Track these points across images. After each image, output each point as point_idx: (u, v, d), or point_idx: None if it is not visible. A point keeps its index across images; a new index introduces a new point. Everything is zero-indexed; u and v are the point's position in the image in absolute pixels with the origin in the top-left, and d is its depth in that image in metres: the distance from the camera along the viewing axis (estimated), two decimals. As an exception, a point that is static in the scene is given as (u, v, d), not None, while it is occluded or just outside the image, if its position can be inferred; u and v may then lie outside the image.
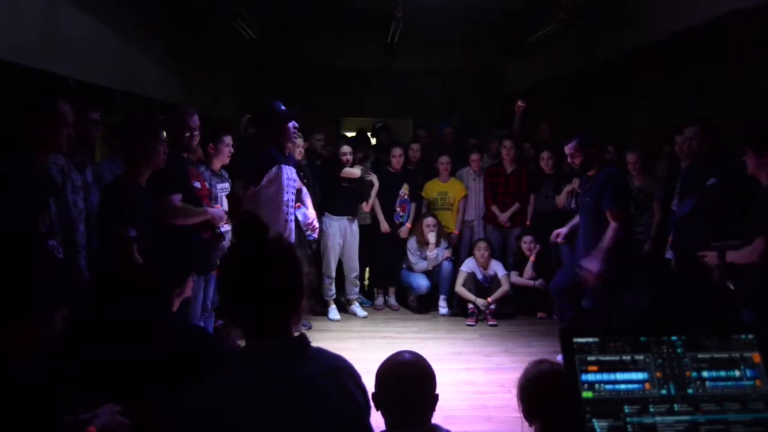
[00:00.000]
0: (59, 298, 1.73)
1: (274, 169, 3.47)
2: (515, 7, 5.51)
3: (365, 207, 5.52)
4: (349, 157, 5.29)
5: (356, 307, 5.55)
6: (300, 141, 4.93)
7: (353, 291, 5.58)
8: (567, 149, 4.07)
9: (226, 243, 3.73)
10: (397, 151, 5.61)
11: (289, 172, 3.62)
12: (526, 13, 5.55)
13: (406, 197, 5.67)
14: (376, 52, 6.95)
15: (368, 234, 5.64)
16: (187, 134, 3.37)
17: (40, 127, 2.41)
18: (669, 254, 4.38)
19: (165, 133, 2.97)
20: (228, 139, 3.95)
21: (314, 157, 5.59)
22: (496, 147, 5.98)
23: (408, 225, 5.65)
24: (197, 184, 3.48)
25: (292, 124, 3.68)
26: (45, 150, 2.49)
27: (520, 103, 5.78)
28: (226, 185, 4.01)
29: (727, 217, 3.60)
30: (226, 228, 3.87)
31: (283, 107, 3.62)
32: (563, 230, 4.49)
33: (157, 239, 2.88)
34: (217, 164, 3.94)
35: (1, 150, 2.40)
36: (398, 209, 5.67)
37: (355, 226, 5.45)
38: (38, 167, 2.47)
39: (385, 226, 5.58)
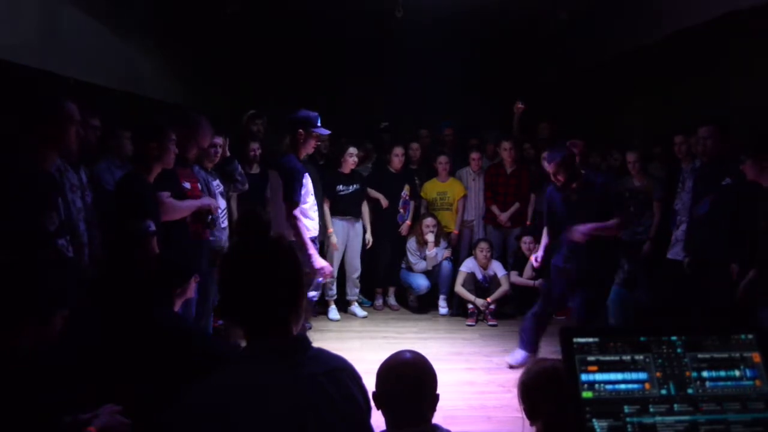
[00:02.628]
0: (63, 299, 1.73)
1: (304, 180, 3.70)
2: (516, 7, 5.51)
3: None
4: (356, 159, 5.33)
5: (356, 308, 5.55)
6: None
7: (354, 291, 5.57)
8: (549, 168, 3.93)
9: (221, 235, 3.83)
10: (398, 151, 5.60)
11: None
12: (527, 12, 5.55)
13: (407, 198, 5.67)
14: (377, 52, 6.96)
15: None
16: (194, 150, 3.57)
17: (47, 127, 2.41)
18: (671, 254, 4.37)
19: (174, 136, 3.07)
20: (218, 140, 3.95)
21: (318, 157, 5.60)
22: (492, 149, 5.99)
23: (408, 222, 5.65)
24: (187, 185, 3.49)
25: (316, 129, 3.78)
26: (53, 150, 2.49)
27: (519, 104, 5.77)
28: (219, 182, 4.02)
29: (744, 217, 3.52)
30: (224, 224, 3.93)
31: (299, 114, 3.74)
32: (540, 254, 4.34)
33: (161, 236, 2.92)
34: (208, 165, 3.93)
35: (5, 150, 2.40)
36: (401, 210, 5.67)
37: (358, 227, 5.46)
38: (46, 167, 2.47)
39: (384, 202, 5.56)
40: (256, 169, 4.82)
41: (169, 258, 2.78)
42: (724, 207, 3.66)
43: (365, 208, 5.52)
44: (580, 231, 3.76)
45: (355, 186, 5.35)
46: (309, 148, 3.82)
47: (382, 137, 6.37)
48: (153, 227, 2.71)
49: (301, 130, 3.68)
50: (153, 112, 4.77)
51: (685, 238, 4.12)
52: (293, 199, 3.58)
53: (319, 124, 3.77)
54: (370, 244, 5.55)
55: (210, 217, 3.52)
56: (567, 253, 3.96)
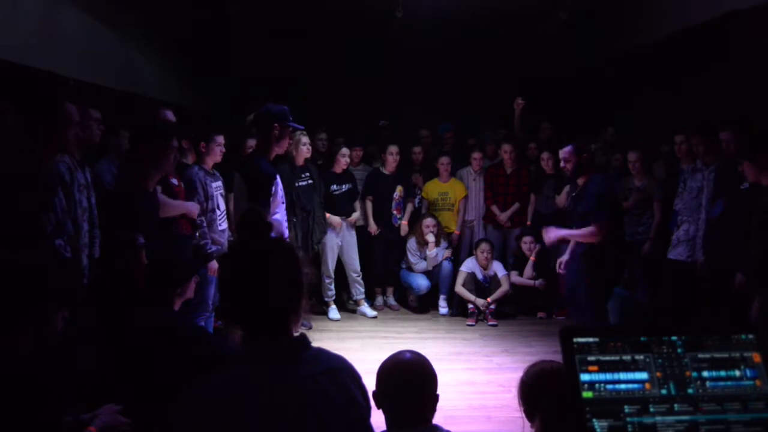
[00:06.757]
0: (63, 299, 1.73)
1: (273, 187, 3.25)
2: (516, 7, 5.51)
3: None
4: (348, 159, 5.34)
5: (365, 308, 5.52)
6: (305, 140, 4.89)
7: (359, 291, 5.54)
8: (561, 154, 3.89)
9: (222, 238, 3.89)
10: (393, 149, 5.55)
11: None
12: (528, 11, 5.55)
13: (400, 199, 5.65)
14: (377, 52, 6.96)
15: (363, 234, 5.62)
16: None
17: (46, 127, 2.41)
18: (672, 254, 4.37)
19: (176, 142, 3.03)
20: (220, 139, 3.97)
21: (317, 156, 5.60)
22: (492, 149, 5.97)
23: (404, 222, 5.63)
24: (174, 181, 3.54)
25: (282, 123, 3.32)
26: (51, 150, 2.49)
27: (519, 100, 5.74)
28: (220, 183, 4.03)
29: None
30: (222, 226, 3.94)
31: (274, 107, 3.31)
32: (565, 258, 4.12)
33: (160, 239, 2.90)
34: (209, 162, 3.96)
35: (4, 150, 2.40)
36: (394, 212, 5.65)
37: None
38: (44, 167, 2.47)
39: (372, 227, 5.56)
40: None
41: (169, 259, 2.77)
42: (739, 211, 3.58)
43: (358, 206, 5.53)
44: (550, 235, 3.81)
45: (348, 185, 5.36)
46: (283, 146, 3.38)
47: (380, 135, 6.36)
48: (142, 240, 2.68)
49: (276, 125, 3.23)
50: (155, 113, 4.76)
51: (703, 239, 4.07)
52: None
53: (291, 119, 3.34)
54: (375, 230, 5.55)
55: (199, 220, 3.58)
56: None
